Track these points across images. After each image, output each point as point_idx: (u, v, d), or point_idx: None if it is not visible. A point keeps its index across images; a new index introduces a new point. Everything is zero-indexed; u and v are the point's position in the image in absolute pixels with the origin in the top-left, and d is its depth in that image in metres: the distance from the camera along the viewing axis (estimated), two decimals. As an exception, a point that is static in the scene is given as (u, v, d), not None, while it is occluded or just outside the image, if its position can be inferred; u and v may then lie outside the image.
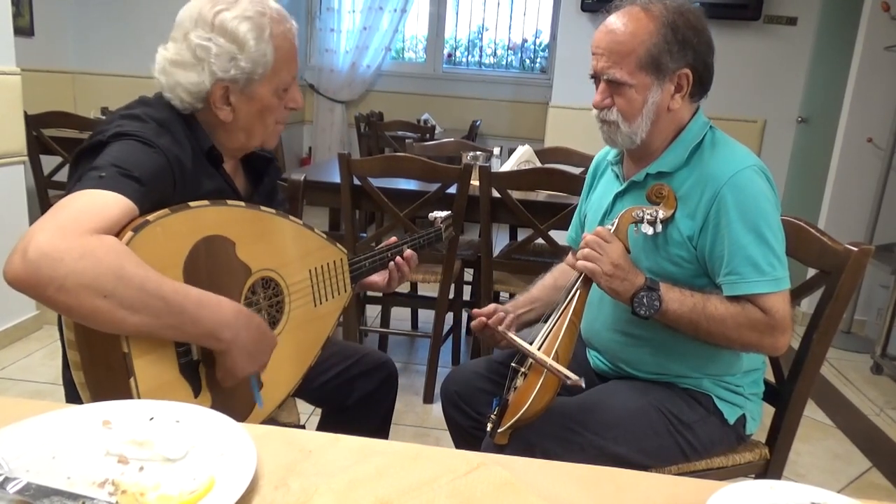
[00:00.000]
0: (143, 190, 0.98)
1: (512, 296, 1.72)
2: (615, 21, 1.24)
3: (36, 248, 0.85)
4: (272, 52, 1.11)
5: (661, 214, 1.20)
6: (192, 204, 1.04)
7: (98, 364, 0.97)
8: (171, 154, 1.05)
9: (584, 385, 1.11)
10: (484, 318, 1.39)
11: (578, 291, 1.20)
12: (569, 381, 1.10)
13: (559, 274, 1.55)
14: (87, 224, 0.89)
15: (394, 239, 1.42)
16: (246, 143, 1.19)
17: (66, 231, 0.87)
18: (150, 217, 0.97)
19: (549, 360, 1.15)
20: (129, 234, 0.94)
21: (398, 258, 1.41)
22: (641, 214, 1.20)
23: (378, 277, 1.43)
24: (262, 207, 1.16)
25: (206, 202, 1.06)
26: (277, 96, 1.15)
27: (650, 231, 1.19)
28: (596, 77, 1.27)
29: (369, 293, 2.82)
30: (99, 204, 0.93)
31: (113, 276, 0.87)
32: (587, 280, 1.20)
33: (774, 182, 1.25)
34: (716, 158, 1.24)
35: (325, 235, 1.26)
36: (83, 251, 0.86)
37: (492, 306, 1.42)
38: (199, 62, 1.08)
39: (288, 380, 1.22)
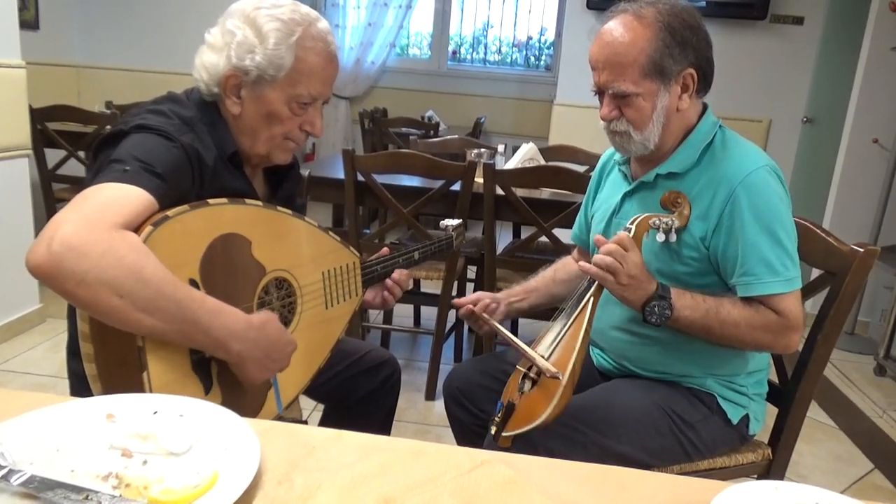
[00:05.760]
0: (164, 186, 0.98)
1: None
2: (610, 33, 1.21)
3: (61, 239, 0.85)
4: (291, 60, 1.10)
5: (676, 224, 1.21)
6: (210, 201, 1.04)
7: (111, 357, 0.97)
8: (192, 150, 1.05)
9: (560, 377, 1.12)
10: (470, 307, 1.40)
11: (592, 299, 1.19)
12: (548, 374, 1.12)
13: (560, 266, 1.55)
14: (111, 218, 0.89)
15: (385, 250, 1.39)
16: (251, 147, 1.16)
17: (92, 224, 0.87)
18: (169, 213, 0.97)
19: (532, 352, 1.18)
20: (148, 228, 0.93)
21: (395, 275, 1.39)
22: (658, 223, 1.20)
23: (369, 296, 1.39)
24: (279, 207, 1.16)
25: (224, 200, 1.06)
26: (290, 108, 1.13)
27: (662, 238, 1.20)
28: (600, 91, 1.26)
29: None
30: (123, 198, 0.93)
31: (132, 277, 0.88)
32: (600, 286, 1.19)
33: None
34: (728, 158, 1.24)
35: (338, 238, 1.26)
36: (107, 247, 0.87)
37: (476, 294, 1.44)
38: (225, 46, 1.11)
39: (298, 381, 1.22)
